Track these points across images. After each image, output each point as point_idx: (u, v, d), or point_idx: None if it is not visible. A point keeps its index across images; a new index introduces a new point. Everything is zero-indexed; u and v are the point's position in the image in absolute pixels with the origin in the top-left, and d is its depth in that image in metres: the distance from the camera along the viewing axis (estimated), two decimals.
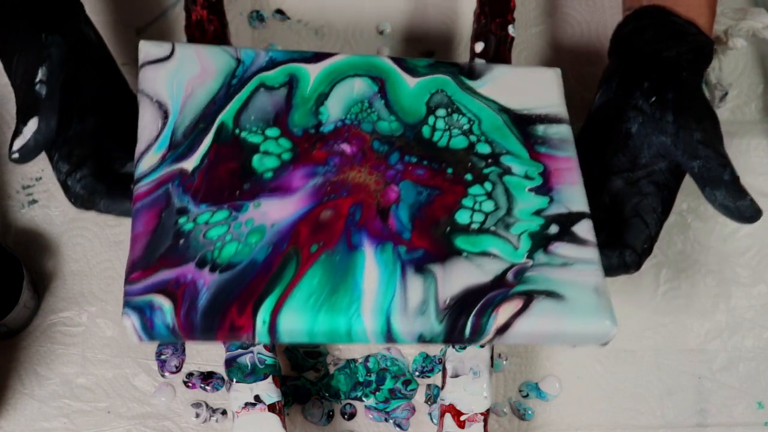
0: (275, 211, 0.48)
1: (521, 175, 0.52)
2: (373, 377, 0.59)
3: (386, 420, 0.60)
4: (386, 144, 0.52)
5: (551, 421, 0.61)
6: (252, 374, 0.54)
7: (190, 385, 0.60)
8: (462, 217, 0.50)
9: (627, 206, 0.54)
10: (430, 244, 0.48)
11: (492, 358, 0.55)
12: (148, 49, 0.53)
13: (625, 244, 0.53)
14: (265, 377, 0.54)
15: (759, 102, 0.68)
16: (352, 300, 0.46)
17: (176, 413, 0.59)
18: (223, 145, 0.50)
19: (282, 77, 0.53)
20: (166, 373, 0.60)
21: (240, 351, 0.55)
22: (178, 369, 0.60)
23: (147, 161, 0.49)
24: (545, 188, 0.51)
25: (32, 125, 0.48)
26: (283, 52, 0.54)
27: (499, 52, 0.60)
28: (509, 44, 0.61)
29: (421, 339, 0.47)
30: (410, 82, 0.54)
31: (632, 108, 0.55)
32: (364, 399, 0.60)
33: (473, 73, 0.55)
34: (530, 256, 0.49)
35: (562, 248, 0.49)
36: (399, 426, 0.60)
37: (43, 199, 0.64)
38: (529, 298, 0.47)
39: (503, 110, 0.54)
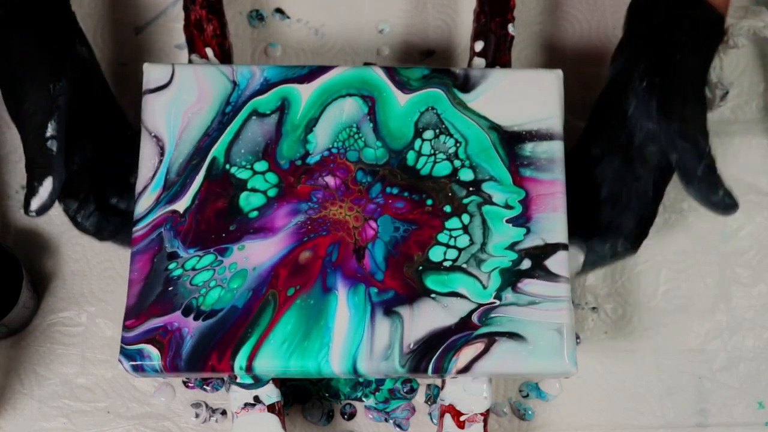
0: (257, 254, 0.51)
1: (501, 204, 0.53)
2: (373, 377, 0.60)
3: (386, 420, 0.60)
4: (370, 174, 0.53)
5: (551, 421, 0.61)
6: (253, 383, 0.54)
7: (189, 385, 0.60)
8: (435, 254, 0.52)
9: (621, 189, 0.54)
10: (401, 285, 0.51)
11: None
12: (150, 74, 0.55)
13: (617, 232, 0.54)
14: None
15: (760, 101, 0.68)
16: (322, 345, 0.50)
17: (176, 413, 0.59)
18: (213, 182, 0.53)
19: (274, 102, 0.55)
20: None
21: None
22: None
23: (144, 203, 0.52)
24: (523, 218, 0.53)
25: (48, 185, 0.50)
26: (278, 70, 0.55)
27: (499, 51, 0.60)
28: (509, 43, 0.61)
29: (386, 377, 0.51)
30: (401, 99, 0.55)
31: (631, 88, 0.54)
32: (364, 399, 0.60)
33: (468, 85, 0.55)
34: (498, 295, 0.51)
35: (531, 285, 0.51)
36: (399, 426, 0.60)
37: None
38: (491, 340, 0.50)
39: (493, 128, 0.54)
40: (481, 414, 0.53)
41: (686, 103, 0.53)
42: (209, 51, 0.59)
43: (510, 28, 0.61)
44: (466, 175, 0.53)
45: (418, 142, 0.54)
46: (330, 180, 0.53)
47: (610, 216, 0.55)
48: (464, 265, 0.51)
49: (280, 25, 0.69)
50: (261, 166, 0.53)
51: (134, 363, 0.50)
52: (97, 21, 0.68)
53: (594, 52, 0.69)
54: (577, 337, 0.62)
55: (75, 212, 0.54)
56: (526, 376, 0.51)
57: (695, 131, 0.52)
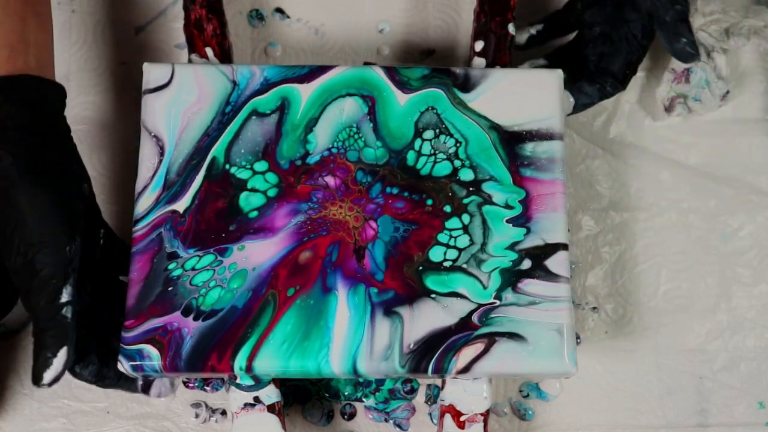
0: (257, 254, 0.51)
1: (501, 204, 0.53)
2: (373, 378, 0.60)
3: (386, 420, 0.60)
4: (370, 174, 0.53)
5: (551, 421, 0.60)
6: (253, 385, 0.54)
7: (189, 385, 0.60)
8: (435, 254, 0.52)
9: (611, 32, 0.56)
10: (401, 286, 0.51)
11: None
12: (150, 73, 0.55)
13: (605, 72, 0.56)
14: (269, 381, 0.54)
15: (760, 100, 0.68)
16: (322, 345, 0.50)
17: (176, 413, 0.59)
18: (213, 182, 0.53)
19: (274, 102, 0.55)
20: None
21: None
22: None
23: (143, 203, 0.52)
24: (523, 218, 0.53)
25: (62, 356, 0.47)
26: (278, 69, 0.55)
27: (500, 50, 0.60)
28: (509, 43, 0.61)
29: (386, 377, 0.51)
30: (401, 99, 0.55)
31: None
32: (364, 399, 0.60)
33: (468, 84, 0.55)
34: (498, 295, 0.51)
35: (531, 285, 0.51)
36: (399, 426, 0.60)
37: None
38: (491, 341, 0.50)
39: (493, 127, 0.54)
40: (481, 414, 0.53)
41: None
42: (209, 51, 0.59)
43: (510, 27, 0.61)
44: (466, 175, 0.53)
45: (418, 142, 0.54)
46: (330, 180, 0.53)
47: (599, 58, 0.57)
48: (464, 265, 0.51)
49: (280, 25, 0.69)
50: (261, 166, 0.53)
51: (134, 363, 0.50)
52: (97, 21, 0.68)
53: None
54: (577, 337, 0.62)
55: (73, 364, 0.50)
56: (527, 376, 0.51)
57: None
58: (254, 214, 0.52)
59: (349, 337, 0.50)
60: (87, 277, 0.52)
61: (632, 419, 0.61)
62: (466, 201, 0.53)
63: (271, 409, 0.53)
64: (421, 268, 0.51)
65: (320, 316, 0.50)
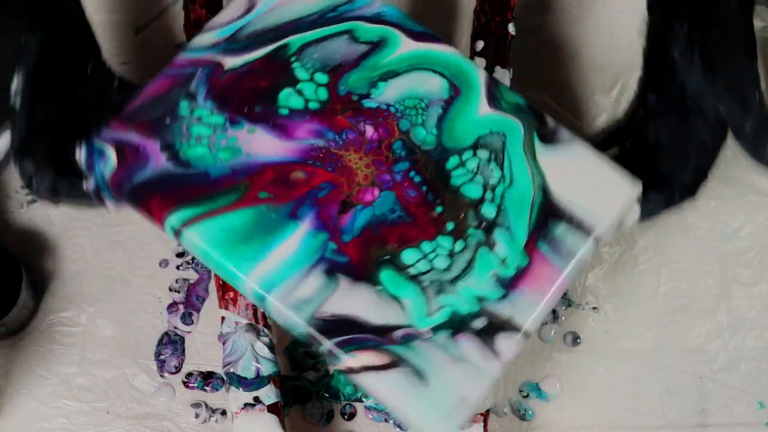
0: (260, 144, 0.49)
1: (499, 258, 0.49)
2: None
3: (386, 420, 0.60)
4: (406, 150, 0.51)
5: (551, 421, 0.60)
6: (253, 383, 0.54)
7: (189, 385, 0.60)
8: (408, 256, 0.48)
9: (679, 143, 0.52)
10: (359, 260, 0.48)
11: None
12: None
13: (674, 182, 0.52)
14: (268, 381, 0.54)
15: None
16: (254, 257, 0.47)
17: (176, 413, 0.59)
18: (272, 63, 0.51)
19: (373, 35, 0.53)
20: (166, 374, 0.60)
21: (239, 355, 0.54)
22: (178, 369, 0.60)
23: (202, 38, 0.52)
24: (510, 283, 0.48)
25: (5, 139, 0.48)
26: (397, 13, 0.54)
27: (499, 50, 0.60)
28: (509, 43, 0.61)
29: (284, 326, 0.47)
30: (483, 109, 0.52)
31: (673, 37, 0.52)
32: (364, 399, 0.60)
33: (550, 137, 0.52)
34: (434, 329, 0.46)
35: (469, 346, 0.46)
36: (399, 426, 0.60)
37: None
38: (395, 362, 0.45)
39: (543, 189, 0.50)
40: (481, 414, 0.53)
41: (730, 54, 0.49)
42: None
43: (510, 27, 0.61)
44: (489, 211, 0.50)
45: (468, 154, 0.51)
46: (369, 130, 0.51)
47: (668, 169, 0.52)
48: (425, 284, 0.48)
49: None
50: (321, 78, 0.52)
51: (90, 158, 0.48)
52: (97, 21, 0.68)
53: (594, 51, 0.69)
54: (578, 337, 0.62)
55: (31, 174, 0.50)
56: (398, 413, 0.47)
57: (742, 84, 0.49)
58: (284, 111, 0.51)
59: (281, 268, 0.47)
60: (59, 88, 0.51)
61: (632, 419, 0.61)
62: (470, 232, 0.49)
63: (271, 409, 0.53)
64: (386, 257, 0.48)
65: (270, 233, 0.48)
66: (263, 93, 0.51)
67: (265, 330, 0.55)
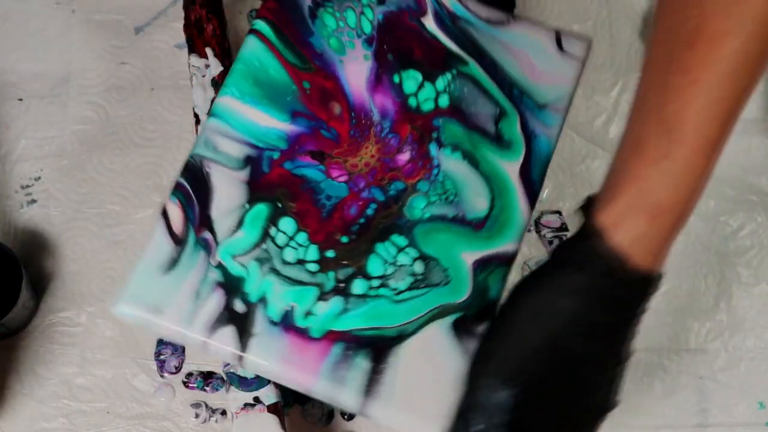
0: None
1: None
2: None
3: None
4: (384, 193, 0.50)
5: None
6: (253, 383, 0.54)
7: (189, 385, 0.60)
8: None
9: None
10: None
11: None
12: None
13: None
14: (268, 381, 0.54)
15: (759, 101, 0.68)
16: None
17: (176, 413, 0.59)
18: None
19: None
20: (166, 374, 0.60)
21: None
22: (178, 369, 0.60)
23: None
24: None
25: None
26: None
27: None
28: None
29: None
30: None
31: None
32: None
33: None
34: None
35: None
36: None
37: (42, 199, 0.63)
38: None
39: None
40: None
41: None
42: (209, 51, 0.59)
43: None
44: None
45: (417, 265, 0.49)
46: (405, 156, 0.50)
47: None
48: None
49: None
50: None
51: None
52: (97, 21, 0.68)
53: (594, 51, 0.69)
54: None
55: None
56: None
57: None
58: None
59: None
60: None
61: (632, 419, 0.61)
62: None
63: (271, 409, 0.53)
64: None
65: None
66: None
67: None
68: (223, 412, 0.59)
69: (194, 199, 0.48)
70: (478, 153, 0.51)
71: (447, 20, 0.52)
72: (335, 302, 0.47)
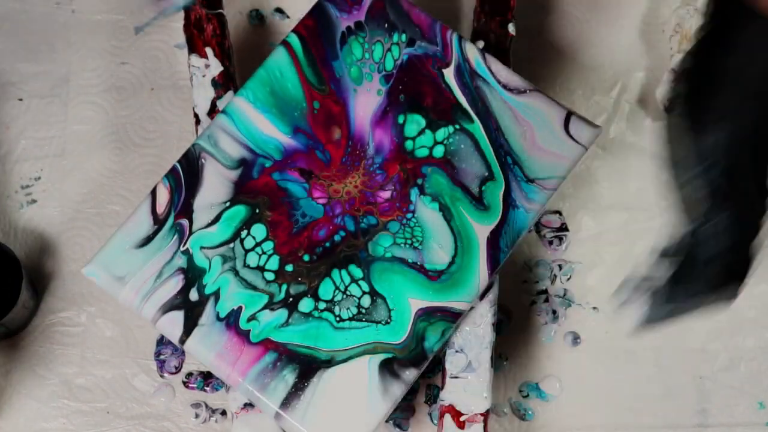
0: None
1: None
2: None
3: (386, 420, 0.60)
4: (355, 236, 0.52)
5: (551, 421, 0.60)
6: None
7: (189, 385, 0.60)
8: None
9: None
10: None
11: (492, 358, 0.55)
12: None
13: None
14: None
15: None
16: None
17: (175, 413, 0.59)
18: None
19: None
20: (165, 374, 0.60)
21: None
22: (178, 369, 0.60)
23: None
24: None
25: None
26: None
27: (499, 50, 0.60)
28: (509, 43, 0.61)
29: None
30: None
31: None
32: None
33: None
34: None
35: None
36: (399, 426, 0.60)
37: (42, 199, 0.63)
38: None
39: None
40: (481, 414, 0.53)
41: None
42: (209, 51, 0.59)
43: (510, 27, 0.61)
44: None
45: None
46: (385, 194, 0.52)
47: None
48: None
49: (280, 25, 0.69)
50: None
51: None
52: (97, 21, 0.68)
53: (594, 51, 0.69)
54: (578, 337, 0.62)
55: None
56: None
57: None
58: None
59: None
60: None
61: (632, 419, 0.61)
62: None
63: None
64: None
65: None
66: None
67: None
68: (223, 412, 0.59)
69: (183, 185, 0.52)
70: (455, 208, 0.52)
71: (466, 75, 0.54)
72: (280, 314, 0.50)
